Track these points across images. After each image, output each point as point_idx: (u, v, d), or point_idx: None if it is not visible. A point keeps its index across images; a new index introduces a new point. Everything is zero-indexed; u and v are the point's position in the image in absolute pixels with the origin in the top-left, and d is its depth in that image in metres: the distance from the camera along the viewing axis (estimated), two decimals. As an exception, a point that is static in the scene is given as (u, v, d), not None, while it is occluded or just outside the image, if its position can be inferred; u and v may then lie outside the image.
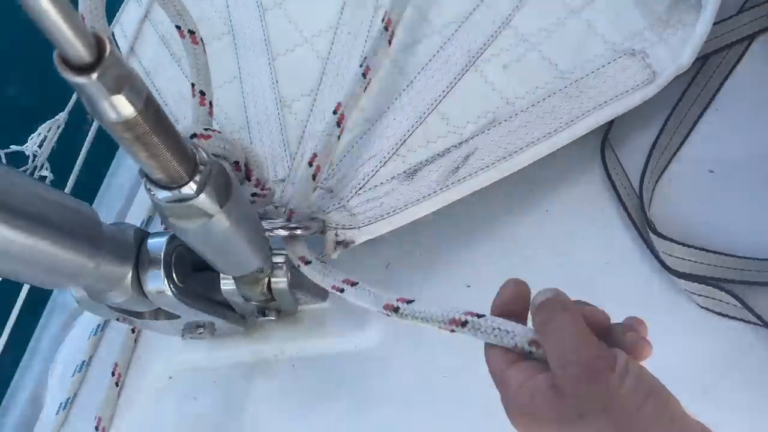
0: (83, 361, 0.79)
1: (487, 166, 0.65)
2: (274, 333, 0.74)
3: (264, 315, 0.70)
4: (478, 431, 0.65)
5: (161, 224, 0.66)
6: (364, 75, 0.70)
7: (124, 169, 0.91)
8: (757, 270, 0.63)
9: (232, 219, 0.43)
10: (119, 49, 0.82)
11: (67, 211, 0.46)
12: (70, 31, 0.23)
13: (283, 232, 0.60)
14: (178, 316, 0.65)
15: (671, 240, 0.62)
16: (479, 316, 0.45)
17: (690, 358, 0.63)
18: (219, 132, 0.57)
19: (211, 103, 0.59)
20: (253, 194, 0.61)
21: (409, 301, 0.50)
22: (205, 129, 0.56)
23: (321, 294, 0.73)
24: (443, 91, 0.70)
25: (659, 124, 0.71)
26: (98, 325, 0.81)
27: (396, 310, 0.50)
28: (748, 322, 0.63)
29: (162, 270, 0.57)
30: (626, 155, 0.71)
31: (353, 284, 0.55)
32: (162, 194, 0.37)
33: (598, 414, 0.38)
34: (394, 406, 0.69)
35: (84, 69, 0.25)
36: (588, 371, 0.39)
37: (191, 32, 0.58)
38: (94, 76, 0.25)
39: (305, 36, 0.79)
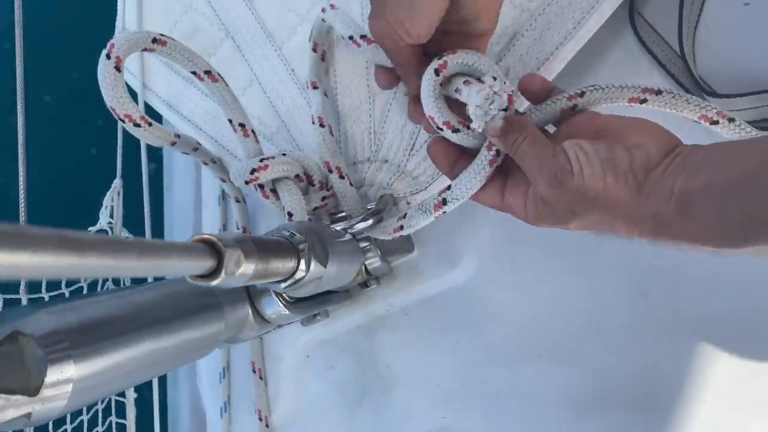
0: (223, 368, 0.88)
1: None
2: (379, 293, 0.79)
3: (367, 286, 0.75)
4: (590, 331, 0.71)
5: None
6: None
7: (179, 192, 0.95)
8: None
9: (336, 263, 0.46)
10: (131, 89, 0.82)
11: (180, 298, 0.51)
12: (191, 263, 0.26)
13: (362, 225, 0.63)
14: (297, 318, 0.71)
15: (729, 96, 0.62)
16: None
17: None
18: (273, 157, 0.59)
19: (254, 132, 0.60)
20: (323, 198, 0.64)
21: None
22: (261, 160, 0.58)
23: (408, 248, 0.77)
24: None
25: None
26: (222, 333, 0.88)
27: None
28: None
29: (273, 296, 0.62)
30: (657, 19, 0.68)
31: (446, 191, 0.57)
32: (281, 286, 0.40)
33: (584, 207, 0.47)
34: (507, 323, 0.75)
35: (212, 274, 0.28)
36: (554, 183, 0.47)
37: (207, 72, 0.58)
38: (223, 274, 0.28)
39: (300, 13, 0.76)
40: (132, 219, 0.88)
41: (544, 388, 0.73)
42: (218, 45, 0.80)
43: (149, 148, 0.81)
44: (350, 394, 0.81)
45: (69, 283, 0.81)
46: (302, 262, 0.41)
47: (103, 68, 0.52)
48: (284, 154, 0.62)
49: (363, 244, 0.66)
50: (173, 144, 0.60)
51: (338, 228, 0.63)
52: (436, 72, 0.53)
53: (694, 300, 0.67)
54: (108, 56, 0.52)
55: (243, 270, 0.31)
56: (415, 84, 0.57)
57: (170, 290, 0.50)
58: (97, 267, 0.21)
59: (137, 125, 0.54)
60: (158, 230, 0.93)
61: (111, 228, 0.82)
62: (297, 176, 0.62)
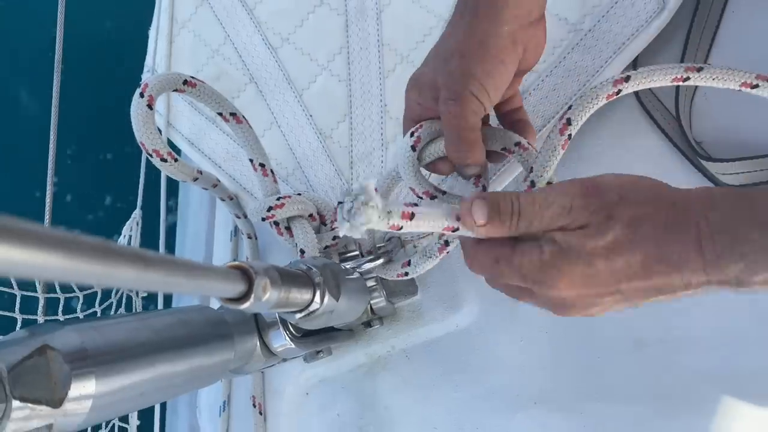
0: (224, 402, 0.89)
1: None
2: (381, 333, 0.81)
3: (370, 326, 0.77)
4: (587, 379, 0.72)
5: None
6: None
7: (193, 226, 0.98)
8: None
9: (346, 299, 0.49)
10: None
11: (195, 325, 0.53)
12: (225, 285, 0.29)
13: (370, 265, 0.66)
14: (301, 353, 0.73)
15: (724, 160, 0.65)
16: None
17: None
18: (289, 197, 0.62)
19: (272, 171, 0.64)
20: (334, 237, 0.67)
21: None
22: (278, 198, 0.61)
23: (411, 290, 0.79)
24: None
25: (681, 42, 0.72)
26: (224, 368, 0.90)
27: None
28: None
29: (281, 329, 0.64)
30: (657, 84, 0.73)
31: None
32: (296, 316, 0.43)
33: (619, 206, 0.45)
34: (505, 370, 0.77)
35: (242, 298, 0.31)
36: (586, 191, 0.46)
37: (233, 114, 0.62)
38: (252, 299, 0.31)
39: (321, 63, 0.81)
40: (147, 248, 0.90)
41: (540, 435, 0.74)
42: (242, 89, 0.85)
43: (168, 181, 0.84)
44: (348, 434, 0.82)
45: (101, 302, 0.83)
46: (317, 295, 0.43)
47: (136, 106, 0.55)
48: (299, 194, 0.65)
49: (370, 284, 0.69)
50: (195, 179, 0.63)
51: (347, 266, 0.65)
52: (413, 148, 0.56)
53: (687, 355, 0.69)
54: (141, 95, 0.56)
55: (268, 297, 0.34)
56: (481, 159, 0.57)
57: (186, 317, 0.53)
58: (145, 279, 0.23)
59: (164, 160, 0.57)
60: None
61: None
62: (311, 215, 0.65)
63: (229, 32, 0.89)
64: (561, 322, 0.75)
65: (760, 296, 0.67)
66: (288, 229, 0.65)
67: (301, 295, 0.41)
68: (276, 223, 0.65)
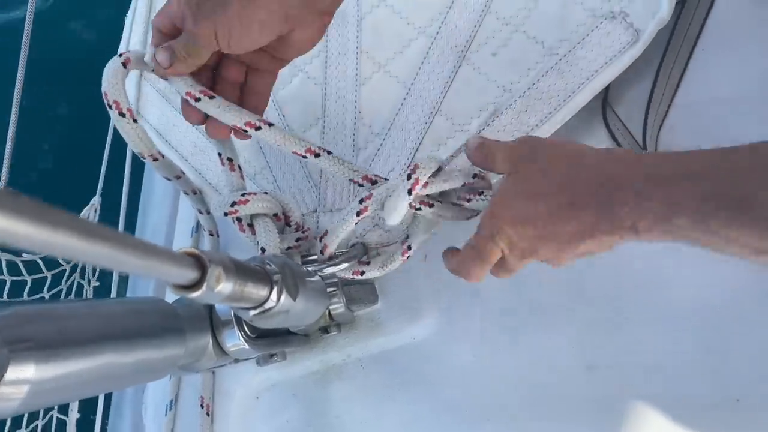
0: (171, 400, 0.87)
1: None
2: (337, 341, 0.81)
3: (327, 332, 0.76)
4: (539, 399, 0.73)
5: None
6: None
7: (153, 218, 0.96)
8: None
9: (304, 300, 0.48)
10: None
11: (146, 316, 0.52)
12: (177, 270, 0.28)
13: (332, 269, 0.65)
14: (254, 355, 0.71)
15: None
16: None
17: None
18: (255, 194, 0.61)
19: (240, 167, 0.63)
20: (297, 239, 0.66)
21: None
22: (242, 194, 0.60)
23: (372, 299, 0.79)
24: (442, 92, 0.73)
25: (652, 75, 0.73)
26: (174, 366, 0.88)
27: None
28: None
29: (236, 328, 0.63)
30: (626, 113, 0.74)
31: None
32: (250, 314, 0.42)
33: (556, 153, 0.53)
34: (460, 385, 0.77)
35: (194, 286, 0.30)
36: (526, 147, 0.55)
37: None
38: (204, 287, 0.30)
39: (297, 65, 0.81)
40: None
41: (486, 453, 0.74)
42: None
43: (132, 171, 0.82)
44: (296, 442, 0.81)
45: (49, 287, 0.81)
46: (274, 292, 0.42)
47: (112, 63, 0.54)
48: (266, 193, 0.64)
49: (330, 289, 0.68)
50: (155, 159, 0.62)
51: (309, 269, 0.65)
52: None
53: (637, 378, 0.70)
54: (120, 55, 0.55)
55: (221, 288, 0.33)
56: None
57: (138, 308, 0.51)
58: (91, 251, 0.22)
59: (122, 114, 0.56)
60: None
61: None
62: (275, 215, 0.64)
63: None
64: (517, 340, 0.76)
65: (708, 325, 0.69)
66: (251, 226, 0.64)
67: (257, 291, 0.40)
68: (239, 219, 0.64)
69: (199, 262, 0.31)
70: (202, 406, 0.83)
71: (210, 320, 0.62)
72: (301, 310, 0.48)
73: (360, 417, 0.79)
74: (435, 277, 0.78)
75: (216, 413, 0.84)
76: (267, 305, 0.42)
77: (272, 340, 0.69)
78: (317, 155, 0.60)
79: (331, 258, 0.66)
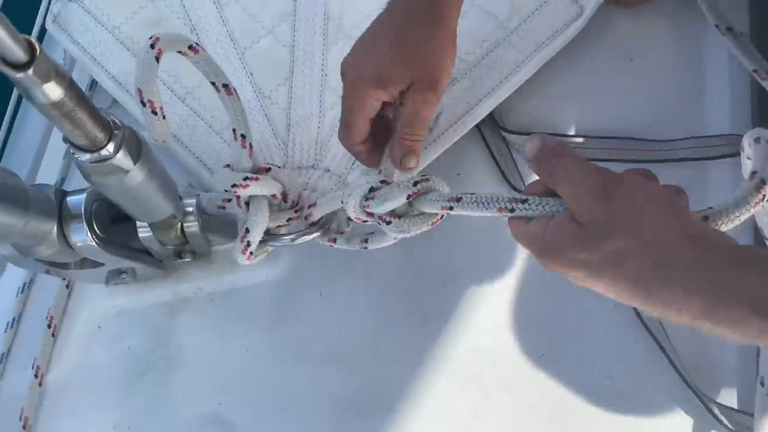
0: (13, 318, 0.85)
1: (455, 123, 0.79)
2: (191, 273, 0.83)
3: (180, 257, 0.79)
4: (375, 344, 0.79)
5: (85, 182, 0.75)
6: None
7: (26, 137, 0.96)
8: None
9: (145, 173, 0.51)
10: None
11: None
12: (8, 40, 0.32)
13: (307, 238, 0.72)
14: (102, 264, 0.73)
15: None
16: (522, 201, 0.51)
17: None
18: (257, 178, 0.66)
19: (251, 145, 0.66)
20: (288, 218, 0.72)
21: (458, 199, 0.56)
22: (244, 178, 0.66)
23: (231, 234, 0.82)
24: None
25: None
26: (24, 284, 0.86)
27: (450, 208, 0.57)
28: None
29: (84, 223, 0.65)
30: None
31: (387, 222, 0.62)
32: (85, 157, 0.45)
33: (617, 232, 0.43)
34: (299, 326, 0.81)
35: (21, 66, 0.33)
36: (601, 193, 0.44)
37: (225, 85, 0.63)
38: (30, 71, 0.33)
39: (266, 26, 0.86)
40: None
41: (318, 390, 0.78)
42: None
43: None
44: (134, 367, 0.82)
45: None
46: (113, 144, 0.45)
47: (145, 54, 0.53)
48: (269, 168, 0.68)
49: (187, 206, 0.71)
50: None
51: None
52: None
53: (464, 331, 0.78)
54: (152, 46, 0.54)
55: (51, 87, 0.35)
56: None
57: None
58: None
59: (155, 113, 0.53)
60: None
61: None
62: (273, 195, 0.69)
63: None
64: (360, 289, 0.82)
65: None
66: (247, 203, 0.69)
67: (93, 129, 0.43)
68: (237, 196, 0.68)
69: (31, 47, 0.33)
70: (49, 326, 0.83)
71: (59, 211, 0.64)
72: (140, 183, 0.51)
73: (201, 348, 0.82)
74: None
75: (61, 333, 0.84)
76: (103, 153, 0.45)
77: (123, 249, 0.71)
78: None
79: (313, 225, 0.71)
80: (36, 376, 0.81)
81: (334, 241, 0.72)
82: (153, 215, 0.63)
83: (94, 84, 0.94)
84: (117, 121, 0.47)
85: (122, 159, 0.47)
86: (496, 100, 0.78)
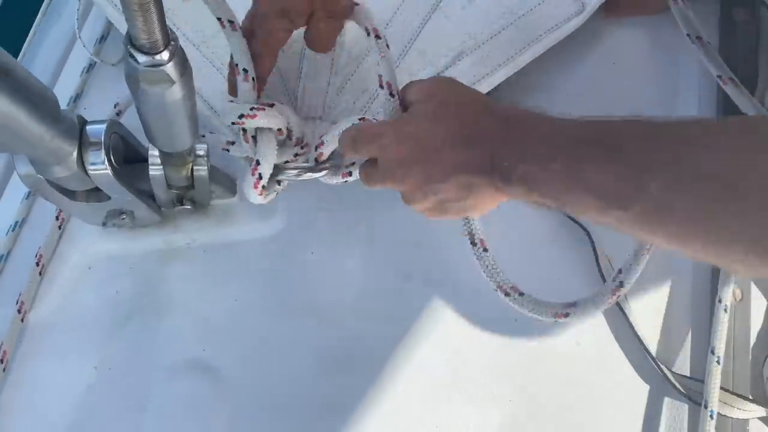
0: (2, 255, 0.85)
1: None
2: (186, 224, 0.86)
3: (181, 203, 0.81)
4: (362, 302, 0.83)
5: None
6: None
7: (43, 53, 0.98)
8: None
9: (185, 91, 0.55)
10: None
11: (35, 89, 0.56)
12: None
13: (313, 175, 0.75)
14: (107, 199, 0.75)
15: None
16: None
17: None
18: (264, 109, 0.70)
19: (254, 79, 0.70)
20: (295, 154, 0.75)
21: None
22: (251, 108, 0.69)
23: (231, 189, 0.85)
24: (416, 32, 0.87)
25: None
26: (16, 222, 0.87)
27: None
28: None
29: (102, 150, 0.67)
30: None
31: None
32: (143, 59, 0.49)
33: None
34: (287, 281, 0.84)
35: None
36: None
37: (230, 21, 0.67)
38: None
39: None
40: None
41: (301, 343, 0.81)
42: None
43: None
44: (121, 312, 0.83)
45: None
46: (167, 52, 0.49)
47: None
48: (273, 105, 0.71)
49: (199, 151, 0.74)
50: None
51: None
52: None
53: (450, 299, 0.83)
54: None
55: None
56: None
57: (29, 77, 0.55)
58: None
59: None
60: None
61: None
62: (279, 129, 0.72)
63: None
64: (350, 246, 0.86)
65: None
66: (254, 138, 0.71)
67: (158, 32, 0.46)
68: (244, 130, 0.70)
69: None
70: (37, 264, 0.83)
71: (80, 137, 0.67)
72: (178, 103, 0.54)
73: (190, 296, 0.84)
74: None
75: (48, 272, 0.84)
76: (158, 58, 0.49)
77: (131, 182, 0.73)
78: None
79: (321, 163, 0.73)
80: (19, 311, 0.81)
81: (349, 174, 0.74)
82: (174, 143, 0.66)
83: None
84: (173, 31, 0.51)
85: (172, 69, 0.51)
86: (503, 75, 0.85)
